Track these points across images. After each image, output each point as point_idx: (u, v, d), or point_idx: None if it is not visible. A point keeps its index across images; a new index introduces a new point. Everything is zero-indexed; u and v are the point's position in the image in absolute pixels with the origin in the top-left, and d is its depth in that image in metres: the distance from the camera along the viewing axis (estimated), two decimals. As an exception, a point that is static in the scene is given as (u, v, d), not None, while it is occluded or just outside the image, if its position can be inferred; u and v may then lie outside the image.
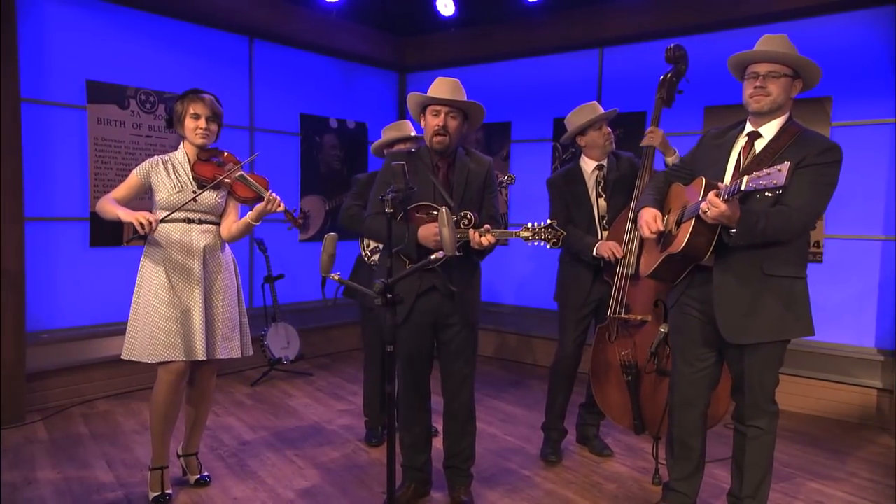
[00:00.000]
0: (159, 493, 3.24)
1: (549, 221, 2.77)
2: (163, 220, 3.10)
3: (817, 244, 4.77)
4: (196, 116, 3.16)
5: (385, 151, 3.96)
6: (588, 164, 3.72)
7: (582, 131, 3.66)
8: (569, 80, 5.90)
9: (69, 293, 4.67)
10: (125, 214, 2.98)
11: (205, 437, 4.08)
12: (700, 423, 2.88)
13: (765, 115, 2.61)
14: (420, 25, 6.31)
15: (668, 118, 4.49)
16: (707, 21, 4.98)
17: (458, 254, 2.75)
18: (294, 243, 6.05)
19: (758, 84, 2.57)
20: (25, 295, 4.30)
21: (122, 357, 3.14)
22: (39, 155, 4.48)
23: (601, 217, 3.69)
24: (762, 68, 2.58)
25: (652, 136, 3.57)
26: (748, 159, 2.62)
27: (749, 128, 2.69)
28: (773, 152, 2.54)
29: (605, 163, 3.70)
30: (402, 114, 6.74)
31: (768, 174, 2.17)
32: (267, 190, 3.21)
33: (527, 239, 2.77)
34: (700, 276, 2.73)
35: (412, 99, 3.08)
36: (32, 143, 4.42)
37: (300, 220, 3.25)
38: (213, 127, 3.22)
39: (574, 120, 3.66)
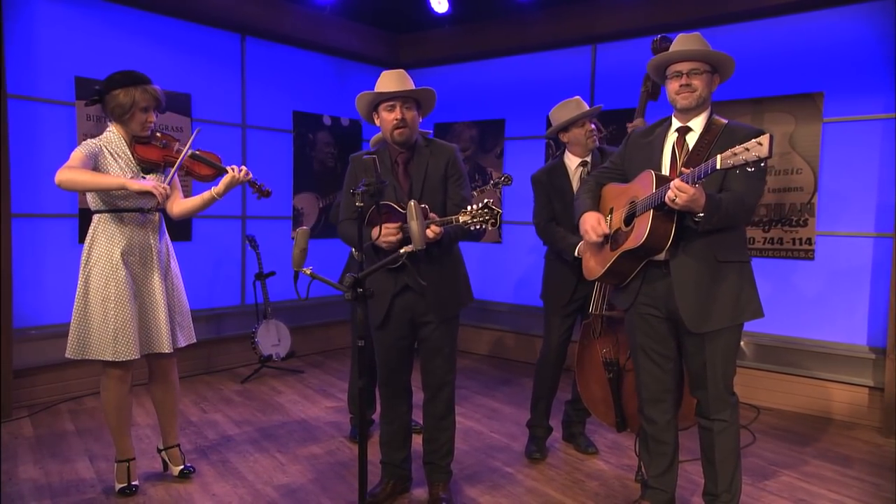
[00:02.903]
0: (125, 484, 3.25)
1: (484, 202, 2.70)
2: (117, 211, 3.07)
3: (809, 241, 4.72)
4: (146, 110, 3.11)
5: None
6: (572, 161, 3.71)
7: (565, 128, 3.64)
8: (562, 77, 5.87)
9: (58, 290, 4.67)
10: (135, 184, 2.90)
11: (188, 432, 4.10)
12: (671, 418, 2.88)
13: (691, 111, 2.70)
14: (414, 22, 6.30)
15: (660, 114, 4.45)
16: (700, 16, 4.93)
17: (430, 239, 2.74)
18: (286, 240, 6.05)
19: (682, 82, 2.67)
20: (12, 291, 4.32)
21: (69, 356, 3.06)
22: (27, 151, 4.50)
23: (586, 213, 3.66)
24: (684, 66, 2.68)
25: (643, 123, 3.55)
26: (683, 153, 2.70)
27: (677, 123, 2.77)
28: (708, 144, 2.63)
29: (589, 159, 3.68)
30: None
31: (746, 149, 2.23)
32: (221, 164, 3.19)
33: (467, 224, 2.71)
34: (653, 272, 2.75)
35: (363, 99, 3.02)
36: (20, 139, 4.44)
37: (264, 188, 3.22)
38: (156, 115, 3.19)
39: (558, 116, 3.63)
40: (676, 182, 2.42)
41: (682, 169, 2.48)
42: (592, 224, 2.82)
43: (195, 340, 3.37)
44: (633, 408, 3.42)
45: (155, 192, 2.92)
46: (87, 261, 3.07)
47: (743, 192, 2.56)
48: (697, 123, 2.70)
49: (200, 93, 5.35)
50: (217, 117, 5.43)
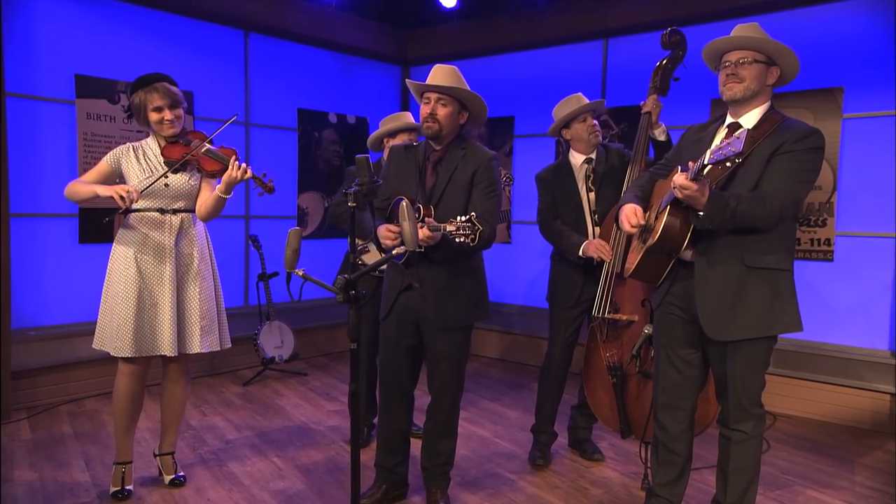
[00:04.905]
0: (119, 488, 3.21)
1: (471, 215, 2.60)
2: (136, 210, 3.08)
3: (828, 242, 4.56)
4: (159, 109, 3.10)
5: (385, 142, 3.87)
6: (576, 158, 3.62)
7: (566, 124, 3.56)
8: (573, 73, 5.75)
9: (58, 290, 4.64)
10: (102, 189, 2.97)
11: (188, 436, 4.04)
12: (686, 428, 2.75)
13: (743, 105, 2.56)
14: (421, 18, 6.21)
15: (675, 111, 4.31)
16: (714, 9, 4.79)
17: (419, 249, 2.69)
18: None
19: (729, 72, 2.53)
20: (11, 292, 4.27)
21: (94, 346, 3.16)
22: (27, 150, 4.45)
23: (592, 211, 3.57)
24: (733, 56, 2.54)
25: (654, 103, 3.44)
26: None
27: (729, 119, 2.63)
28: (753, 141, 2.45)
29: (593, 156, 3.59)
30: (406, 108, 6.63)
31: (728, 143, 2.13)
32: (235, 159, 3.14)
33: (451, 234, 2.61)
34: (682, 272, 2.63)
35: (411, 86, 3.05)
36: (20, 138, 4.39)
37: (269, 183, 3.16)
38: (178, 112, 3.15)
39: (558, 112, 3.56)
40: (678, 175, 2.32)
41: (690, 163, 2.37)
42: (627, 214, 2.64)
43: (219, 348, 3.30)
44: (637, 413, 3.32)
45: (115, 195, 2.90)
46: (110, 257, 3.15)
47: (771, 191, 2.40)
48: (749, 119, 2.54)
49: (203, 90, 5.27)
50: (220, 115, 5.34)
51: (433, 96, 2.92)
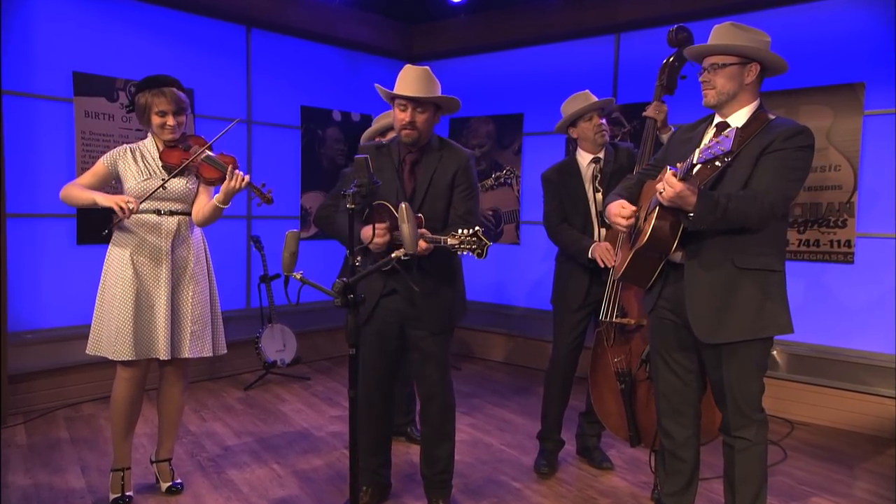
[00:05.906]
0: (119, 495, 3.16)
1: (475, 229, 2.54)
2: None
3: (848, 243, 4.41)
4: (163, 114, 3.06)
5: (378, 140, 3.78)
6: (584, 158, 3.51)
7: (573, 122, 3.45)
8: (584, 69, 5.61)
9: (55, 292, 4.56)
10: (103, 198, 2.94)
11: (186, 442, 3.97)
12: (692, 434, 2.68)
13: (728, 105, 2.51)
14: (428, 12, 6.09)
15: (684, 110, 4.16)
16: (727, 3, 4.65)
17: (419, 252, 2.59)
18: (295, 241, 5.87)
19: (702, 79, 2.52)
20: (7, 294, 4.20)
21: (88, 351, 3.10)
22: (24, 149, 4.38)
23: (598, 213, 3.46)
24: (706, 63, 2.52)
25: (657, 109, 3.36)
26: None
27: (717, 119, 2.58)
28: (742, 140, 2.41)
29: (601, 155, 3.48)
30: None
31: (717, 142, 2.11)
32: (234, 168, 3.08)
33: (454, 248, 2.54)
34: (673, 275, 2.56)
35: (382, 94, 2.97)
36: (16, 136, 4.32)
37: (268, 194, 3.11)
38: (181, 119, 3.12)
39: (565, 109, 3.46)
40: (667, 175, 2.26)
41: (677, 163, 2.31)
42: (616, 211, 2.60)
43: (210, 354, 3.23)
44: (646, 421, 3.21)
45: (115, 206, 2.88)
46: (106, 259, 3.11)
47: (762, 189, 2.34)
48: (737, 119, 2.50)
49: (204, 88, 5.17)
50: (221, 113, 5.25)
51: (410, 104, 2.84)
